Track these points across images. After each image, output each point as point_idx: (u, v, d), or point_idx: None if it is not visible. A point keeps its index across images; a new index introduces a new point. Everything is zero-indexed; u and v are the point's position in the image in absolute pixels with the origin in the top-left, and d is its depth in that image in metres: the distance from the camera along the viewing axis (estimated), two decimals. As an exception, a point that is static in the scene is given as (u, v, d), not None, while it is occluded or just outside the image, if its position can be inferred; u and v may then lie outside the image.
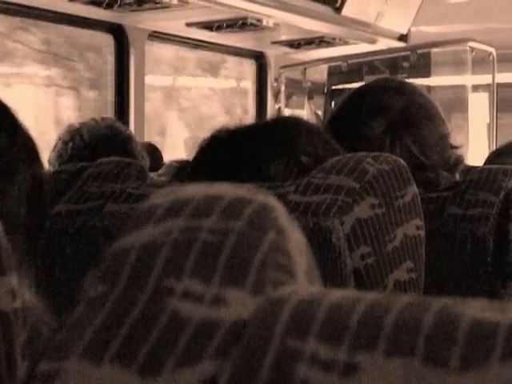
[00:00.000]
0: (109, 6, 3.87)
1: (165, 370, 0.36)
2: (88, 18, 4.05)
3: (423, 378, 0.33)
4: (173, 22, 4.30)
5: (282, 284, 0.39)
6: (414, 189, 1.06)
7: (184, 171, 1.26)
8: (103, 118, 2.37)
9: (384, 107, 1.57)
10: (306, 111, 5.42)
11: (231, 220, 0.40)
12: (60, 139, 2.25)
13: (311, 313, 0.36)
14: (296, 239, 0.41)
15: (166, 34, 4.49)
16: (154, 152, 3.70)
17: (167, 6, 3.89)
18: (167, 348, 0.37)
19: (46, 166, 2.22)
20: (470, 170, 1.56)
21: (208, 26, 4.36)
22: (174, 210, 0.41)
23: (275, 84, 5.29)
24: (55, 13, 3.91)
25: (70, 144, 2.20)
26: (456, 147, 1.62)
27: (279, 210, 0.42)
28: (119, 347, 0.37)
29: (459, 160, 1.60)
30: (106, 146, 2.16)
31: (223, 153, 1.17)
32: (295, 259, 0.40)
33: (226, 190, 0.42)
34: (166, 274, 0.39)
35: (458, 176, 1.58)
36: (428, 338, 0.34)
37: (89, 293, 0.40)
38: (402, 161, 1.07)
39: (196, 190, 0.42)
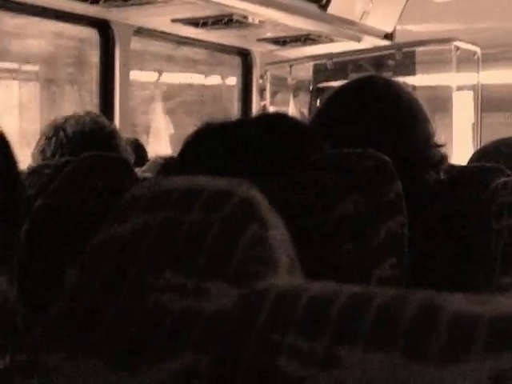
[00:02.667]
0: (95, 2, 3.86)
1: (145, 362, 0.36)
2: (74, 13, 4.03)
3: (403, 371, 0.33)
4: (158, 18, 4.29)
5: (263, 276, 0.39)
6: (397, 185, 1.06)
7: (169, 167, 1.25)
8: (87, 113, 2.35)
9: (369, 105, 1.57)
10: (291, 108, 5.42)
11: (213, 213, 0.40)
12: (44, 134, 2.24)
13: (292, 306, 0.36)
14: (278, 232, 0.41)
15: (151, 30, 4.48)
16: (138, 148, 3.69)
17: (153, 2, 3.88)
18: (148, 339, 0.37)
19: (30, 161, 2.21)
20: (455, 168, 1.56)
21: (193, 22, 4.35)
22: (155, 202, 0.41)
23: (260, 81, 5.29)
24: (41, 7, 3.89)
25: (54, 139, 2.19)
26: (440, 146, 1.63)
27: (261, 203, 0.41)
28: (99, 340, 0.37)
29: (443, 158, 1.60)
30: (89, 141, 2.14)
31: (209, 148, 1.17)
32: (277, 252, 0.40)
33: (207, 182, 0.42)
34: (148, 266, 0.39)
35: (442, 175, 1.58)
36: (408, 332, 0.34)
37: (69, 285, 0.39)
38: (386, 158, 1.07)
39: (178, 182, 0.42)
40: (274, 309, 0.36)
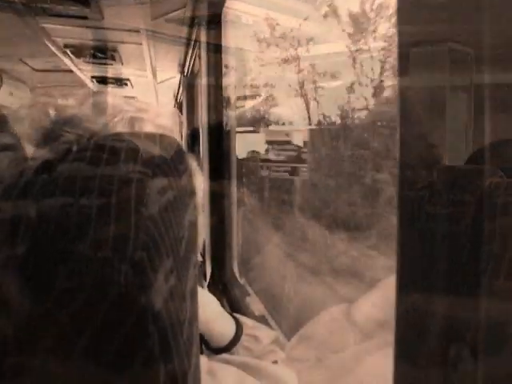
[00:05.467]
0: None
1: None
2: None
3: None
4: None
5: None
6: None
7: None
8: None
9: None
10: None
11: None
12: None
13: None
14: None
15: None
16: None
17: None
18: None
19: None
20: (448, 168, 1.56)
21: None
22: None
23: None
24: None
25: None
26: (434, 146, 1.63)
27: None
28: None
29: (437, 159, 1.60)
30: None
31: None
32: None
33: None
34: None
35: (435, 175, 1.58)
36: (399, 335, 0.34)
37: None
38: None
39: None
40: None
